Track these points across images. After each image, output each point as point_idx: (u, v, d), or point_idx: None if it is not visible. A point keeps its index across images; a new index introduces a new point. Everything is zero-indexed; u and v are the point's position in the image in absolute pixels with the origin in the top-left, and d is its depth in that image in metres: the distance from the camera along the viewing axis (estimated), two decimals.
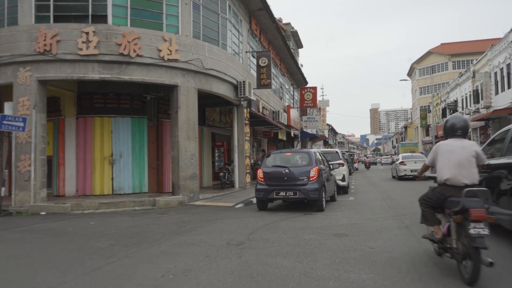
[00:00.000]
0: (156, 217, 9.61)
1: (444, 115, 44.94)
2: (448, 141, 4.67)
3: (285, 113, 25.34)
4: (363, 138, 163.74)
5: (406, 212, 9.40)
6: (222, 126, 19.88)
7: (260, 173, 10.24)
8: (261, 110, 19.21)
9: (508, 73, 27.07)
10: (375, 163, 64.89)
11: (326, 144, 54.42)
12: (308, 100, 31.14)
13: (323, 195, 10.04)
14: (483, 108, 31.13)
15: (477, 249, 3.89)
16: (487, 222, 3.97)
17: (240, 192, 14.96)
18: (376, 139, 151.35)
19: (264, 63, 17.16)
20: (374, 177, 27.61)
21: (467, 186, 4.35)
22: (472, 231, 3.92)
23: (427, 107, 55.41)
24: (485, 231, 3.92)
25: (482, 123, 31.08)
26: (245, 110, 16.95)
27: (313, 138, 41.47)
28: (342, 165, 14.65)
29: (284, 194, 9.84)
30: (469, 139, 33.84)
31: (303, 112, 38.01)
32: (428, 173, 5.22)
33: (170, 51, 12.19)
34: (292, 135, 28.75)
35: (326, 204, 10.81)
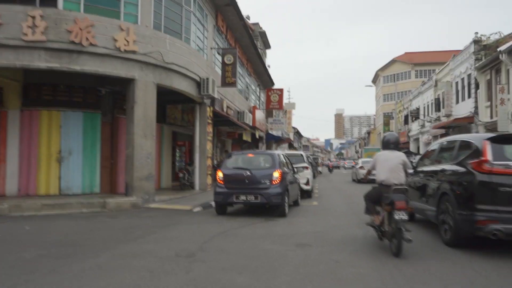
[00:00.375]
0: (104, 221, 8.73)
1: (406, 122, 45.86)
2: (384, 152, 6.18)
3: (250, 114, 24.75)
4: (327, 142, 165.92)
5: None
6: (184, 124, 19.01)
7: (219, 175, 9.55)
8: (225, 110, 18.51)
9: (469, 83, 27.73)
10: (338, 167, 65.46)
11: (291, 147, 54.33)
12: (274, 101, 30.71)
13: (286, 200, 9.49)
14: (444, 116, 31.80)
15: (400, 229, 5.30)
16: (407, 211, 5.44)
17: (199, 195, 14.20)
18: (340, 143, 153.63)
19: (230, 60, 16.47)
20: (337, 180, 27.51)
21: (395, 185, 5.71)
22: (396, 217, 5.31)
23: (390, 114, 56.46)
24: (405, 217, 5.33)
25: (443, 131, 31.75)
26: (208, 109, 16.21)
27: (279, 140, 41.13)
28: (307, 168, 14.21)
29: (245, 198, 9.20)
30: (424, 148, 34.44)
31: (269, 114, 37.59)
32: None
33: (128, 41, 11.29)
34: (257, 136, 28.21)
35: (289, 209, 10.27)
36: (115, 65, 11.28)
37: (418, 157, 12.57)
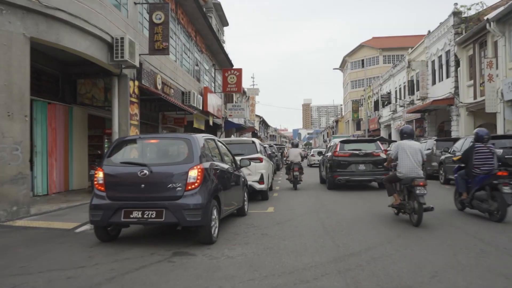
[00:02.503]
0: None
1: (376, 108, 43.04)
2: (292, 148, 15.55)
3: (201, 96, 20.73)
4: (296, 132, 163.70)
5: (356, 249, 5.30)
6: (109, 106, 14.77)
7: (98, 176, 5.60)
8: (160, 87, 14.44)
9: (447, 61, 24.76)
10: (305, 157, 62.40)
11: (255, 136, 50.55)
12: (232, 83, 26.68)
13: (214, 215, 5.67)
14: (418, 99, 28.86)
15: (296, 178, 13.87)
16: (300, 172, 14.06)
17: None
18: (308, 133, 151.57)
19: (160, 19, 12.37)
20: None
21: (295, 162, 14.22)
22: (294, 173, 13.89)
23: (359, 101, 53.68)
24: (298, 173, 13.85)
25: (418, 115, 28.87)
26: (131, 83, 12.16)
27: (240, 128, 37.31)
28: (260, 160, 10.44)
29: (140, 215, 5.31)
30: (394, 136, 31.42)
31: (229, 99, 33.61)
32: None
33: None
34: (211, 123, 24.21)
35: (227, 222, 6.50)
36: None
37: (392, 144, 11.89)
